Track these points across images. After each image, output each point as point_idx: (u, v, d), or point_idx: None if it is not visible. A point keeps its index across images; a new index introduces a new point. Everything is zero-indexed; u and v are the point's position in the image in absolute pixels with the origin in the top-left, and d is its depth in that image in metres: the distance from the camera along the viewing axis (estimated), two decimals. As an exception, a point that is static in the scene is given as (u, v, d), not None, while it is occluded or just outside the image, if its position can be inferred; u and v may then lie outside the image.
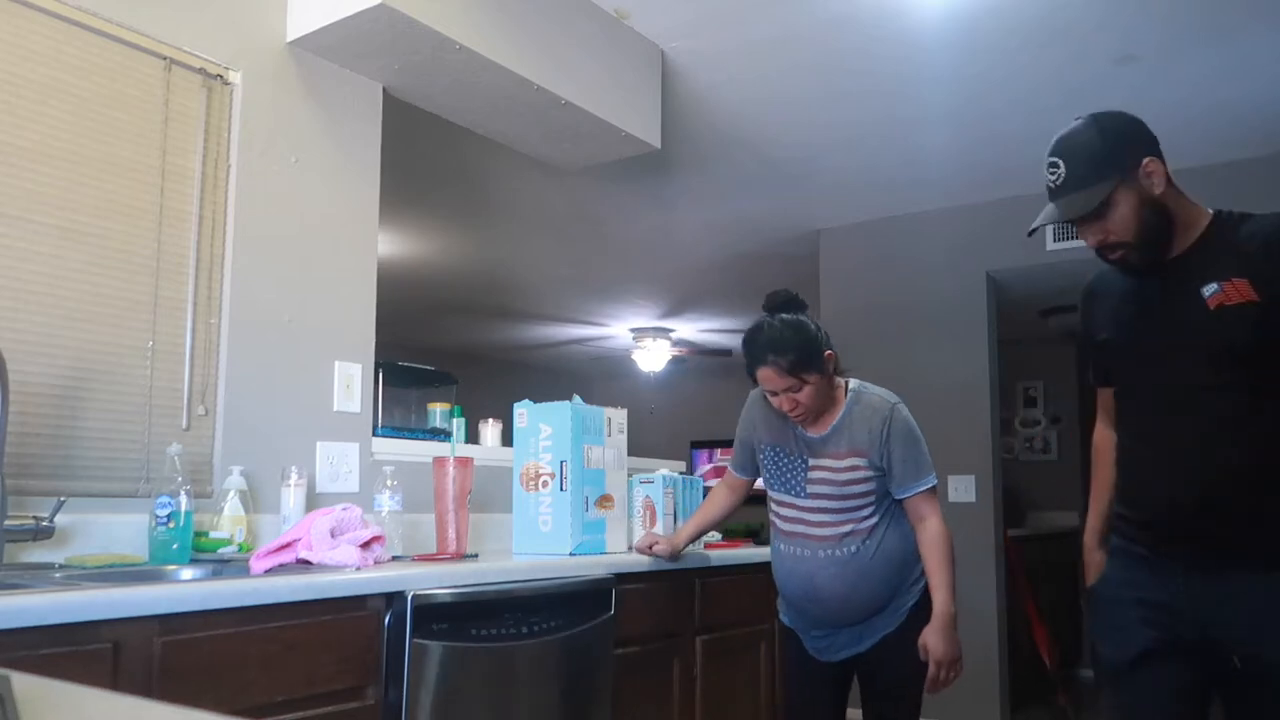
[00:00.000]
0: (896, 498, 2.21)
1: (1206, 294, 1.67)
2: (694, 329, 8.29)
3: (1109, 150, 1.71)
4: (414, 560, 2.15)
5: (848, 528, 2.18)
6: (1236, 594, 1.64)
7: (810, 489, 2.22)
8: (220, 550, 2.08)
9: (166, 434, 2.12)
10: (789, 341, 2.11)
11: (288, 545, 1.96)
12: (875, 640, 2.21)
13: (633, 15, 3.08)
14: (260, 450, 2.29)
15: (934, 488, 2.20)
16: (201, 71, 2.28)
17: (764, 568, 2.92)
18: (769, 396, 2.20)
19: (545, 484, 2.49)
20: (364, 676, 1.77)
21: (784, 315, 2.17)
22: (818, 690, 2.30)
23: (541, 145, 3.17)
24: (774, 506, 2.32)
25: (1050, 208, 1.76)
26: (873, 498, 2.19)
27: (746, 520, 4.49)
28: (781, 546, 2.29)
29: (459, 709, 1.91)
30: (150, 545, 1.98)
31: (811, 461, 2.22)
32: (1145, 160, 1.71)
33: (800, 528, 2.24)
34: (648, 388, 9.91)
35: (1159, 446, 1.74)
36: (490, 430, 3.07)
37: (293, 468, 2.26)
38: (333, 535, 1.98)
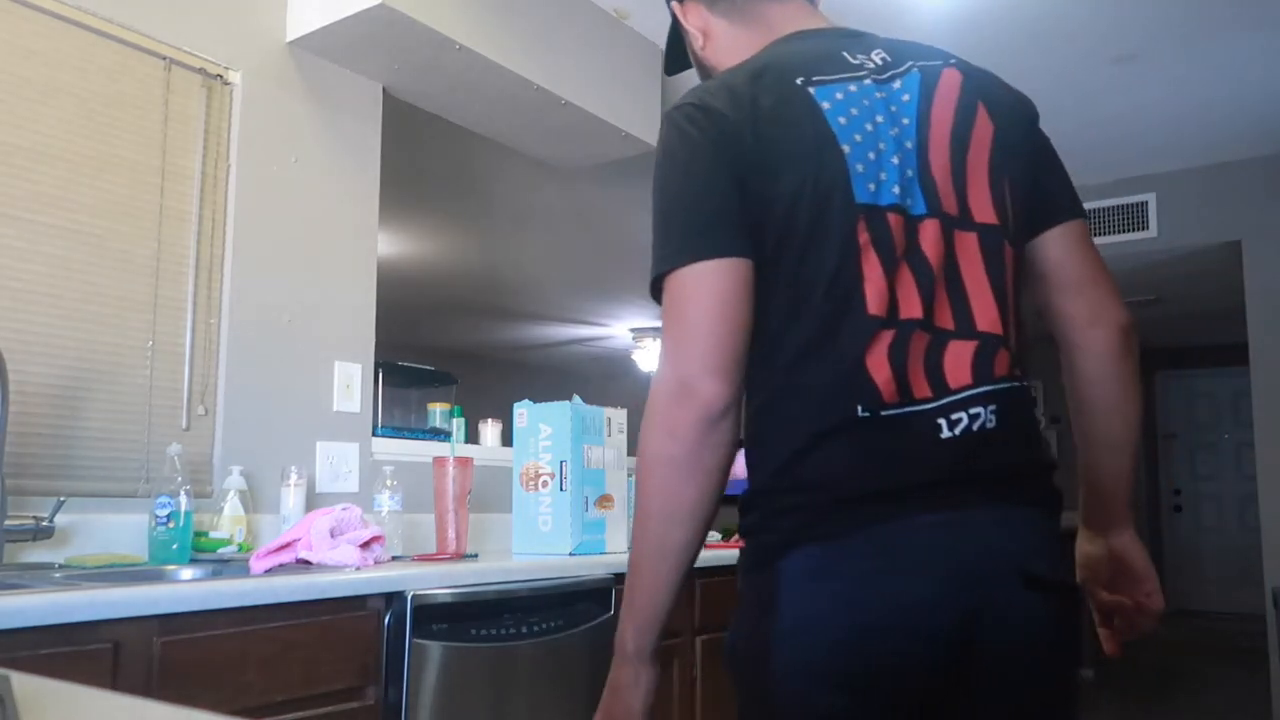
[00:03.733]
0: None
1: None
2: (694, 329, 8.27)
3: None
4: (414, 560, 2.15)
5: None
6: None
7: None
8: (220, 550, 2.08)
9: (166, 434, 2.12)
10: None
11: (287, 545, 1.96)
12: None
13: (633, 15, 3.08)
14: (260, 450, 2.29)
15: None
16: (201, 71, 2.28)
17: (764, 568, 2.93)
18: None
19: (545, 484, 2.49)
20: (364, 676, 1.77)
21: None
22: None
23: (541, 145, 3.17)
24: None
25: None
26: None
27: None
28: None
29: (459, 709, 1.91)
30: (150, 545, 1.98)
31: None
32: (672, 3, 1.22)
33: None
34: (647, 388, 9.90)
35: None
36: (490, 430, 3.07)
37: (292, 468, 2.26)
38: (332, 535, 1.98)
